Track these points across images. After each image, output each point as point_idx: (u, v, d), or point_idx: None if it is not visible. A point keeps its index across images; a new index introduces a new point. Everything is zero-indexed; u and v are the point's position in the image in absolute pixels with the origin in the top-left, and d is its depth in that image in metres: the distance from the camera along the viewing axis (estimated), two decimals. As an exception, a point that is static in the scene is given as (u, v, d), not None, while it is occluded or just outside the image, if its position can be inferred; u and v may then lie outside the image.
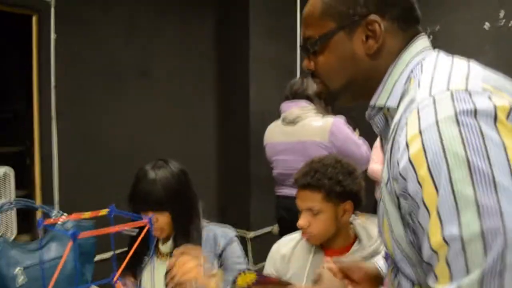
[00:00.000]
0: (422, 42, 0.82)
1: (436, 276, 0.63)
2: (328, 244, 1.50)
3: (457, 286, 0.59)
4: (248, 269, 1.02)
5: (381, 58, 0.81)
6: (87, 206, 1.31)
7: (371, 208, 3.06)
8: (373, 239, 1.51)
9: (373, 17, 0.79)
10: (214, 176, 3.47)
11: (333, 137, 2.27)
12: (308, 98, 2.36)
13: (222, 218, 3.50)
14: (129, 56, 2.80)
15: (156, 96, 2.97)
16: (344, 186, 1.43)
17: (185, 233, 1.47)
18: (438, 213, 0.61)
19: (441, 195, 0.61)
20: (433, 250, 0.63)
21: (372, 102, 0.83)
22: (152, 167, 1.49)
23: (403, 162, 0.66)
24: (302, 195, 1.46)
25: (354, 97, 0.88)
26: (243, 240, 3.35)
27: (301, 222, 1.45)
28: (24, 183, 2.82)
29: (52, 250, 1.46)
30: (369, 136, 2.36)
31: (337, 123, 2.29)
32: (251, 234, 3.34)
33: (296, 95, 2.39)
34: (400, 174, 0.67)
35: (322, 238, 1.47)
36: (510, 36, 3.14)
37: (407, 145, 0.66)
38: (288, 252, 1.56)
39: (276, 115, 3.40)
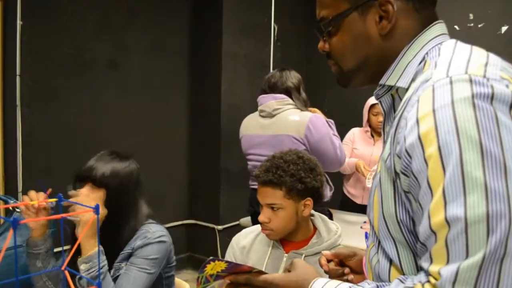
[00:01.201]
0: (439, 27, 0.82)
1: (431, 258, 0.62)
2: (288, 237, 1.51)
3: (456, 268, 0.58)
4: (218, 259, 0.96)
5: (394, 39, 0.80)
6: (51, 196, 1.29)
7: (338, 204, 3.12)
8: (332, 232, 1.54)
9: None
10: (185, 169, 3.46)
11: (309, 133, 2.23)
12: (286, 91, 2.33)
13: (192, 211, 3.50)
14: (98, 46, 2.76)
15: (125, 88, 2.93)
16: (306, 183, 1.44)
17: (115, 225, 1.45)
18: (443, 192, 0.60)
19: (449, 175, 0.60)
20: (432, 230, 0.62)
21: (382, 81, 0.82)
22: (106, 153, 1.49)
23: (411, 138, 0.65)
24: (263, 192, 1.46)
25: (368, 78, 0.87)
26: (212, 232, 3.36)
27: (262, 217, 1.46)
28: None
29: (6, 239, 1.44)
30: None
31: (315, 119, 2.26)
32: (220, 227, 3.35)
33: (274, 88, 2.35)
34: (406, 151, 0.66)
35: (281, 234, 1.48)
36: (479, 37, 3.24)
37: (417, 122, 0.65)
38: (247, 244, 1.57)
39: (247, 110, 3.42)
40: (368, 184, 2.78)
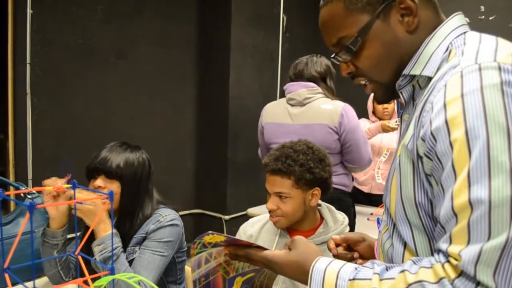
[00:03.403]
0: (459, 18, 0.83)
1: (450, 239, 0.63)
2: (295, 226, 1.52)
3: (479, 249, 0.59)
4: (217, 233, 0.93)
5: (420, 31, 0.81)
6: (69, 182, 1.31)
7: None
8: (339, 222, 1.55)
9: None
10: (192, 160, 3.48)
11: (343, 121, 2.14)
12: (311, 80, 2.24)
13: (199, 201, 3.53)
14: (106, 36, 2.77)
15: (133, 77, 2.94)
16: (314, 174, 1.44)
17: (129, 213, 1.47)
18: (468, 175, 0.61)
19: (475, 158, 0.61)
20: (454, 212, 0.63)
21: (405, 71, 0.81)
22: (117, 145, 1.50)
23: (438, 122, 0.66)
24: (272, 180, 1.47)
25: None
26: (219, 222, 3.39)
27: (269, 205, 1.47)
28: (-2, 160, 2.79)
29: (20, 225, 1.46)
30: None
31: (348, 108, 2.19)
32: (227, 217, 3.37)
33: (299, 76, 2.26)
34: (432, 134, 0.67)
35: (289, 222, 1.49)
36: (490, 30, 3.20)
37: (444, 106, 0.66)
38: (255, 233, 1.59)
39: (255, 101, 3.43)
40: (378, 179, 2.78)
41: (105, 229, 1.34)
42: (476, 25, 3.33)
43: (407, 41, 0.81)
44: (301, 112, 2.23)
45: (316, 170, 1.45)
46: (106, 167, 1.43)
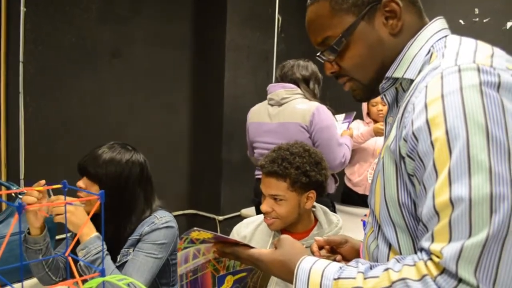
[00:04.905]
0: (441, 22, 0.84)
1: (432, 237, 0.64)
2: (289, 228, 1.52)
3: (460, 246, 0.60)
4: (203, 230, 0.94)
5: (404, 34, 0.83)
6: (53, 184, 1.30)
7: (339, 196, 3.13)
8: (333, 224, 1.54)
9: None
10: (186, 160, 3.46)
11: (313, 119, 2.20)
12: (294, 82, 2.31)
13: (193, 201, 3.52)
14: (101, 35, 2.75)
15: (127, 78, 2.92)
16: (310, 177, 1.44)
17: (115, 219, 1.44)
18: (448, 174, 0.62)
19: (455, 157, 0.62)
20: (436, 210, 0.63)
21: (388, 74, 0.83)
22: (108, 146, 1.48)
23: (419, 122, 0.67)
24: (267, 182, 1.46)
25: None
26: (213, 223, 3.38)
27: (264, 207, 1.47)
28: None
29: (10, 225, 1.44)
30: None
31: (322, 108, 2.23)
32: (221, 217, 3.36)
33: (284, 77, 2.35)
34: (413, 134, 0.68)
35: (283, 224, 1.49)
36: (484, 32, 3.22)
37: (425, 107, 0.67)
38: (248, 234, 1.58)
39: (250, 101, 3.41)
40: (370, 179, 2.79)
41: (87, 233, 1.32)
42: (470, 28, 3.35)
43: (390, 43, 0.83)
44: (278, 111, 2.32)
45: (312, 173, 1.44)
46: (86, 170, 1.42)
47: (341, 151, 2.25)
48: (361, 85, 0.88)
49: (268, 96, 2.38)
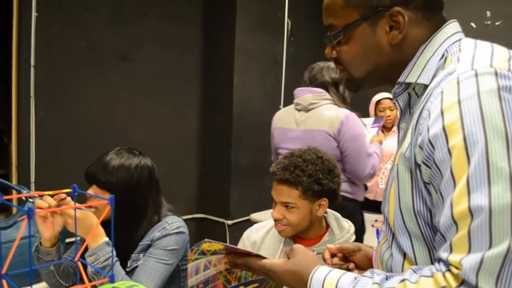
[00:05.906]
0: (454, 25, 0.82)
1: (451, 247, 0.62)
2: (300, 234, 1.49)
3: (480, 257, 0.58)
4: (214, 241, 0.92)
5: (405, 47, 0.81)
6: (63, 187, 1.29)
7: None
8: (345, 230, 1.52)
9: (397, 8, 0.79)
10: (195, 163, 3.46)
11: (342, 128, 2.08)
12: (323, 85, 2.19)
13: (202, 205, 3.51)
14: (111, 39, 2.76)
15: (137, 81, 2.93)
16: (323, 185, 1.41)
17: (125, 225, 1.42)
18: (467, 182, 0.60)
19: (473, 164, 0.60)
20: (454, 220, 0.62)
21: (401, 79, 0.82)
22: (114, 152, 1.47)
23: (435, 129, 0.65)
24: (279, 189, 1.43)
25: (377, 83, 0.88)
26: (222, 227, 3.36)
27: (275, 214, 1.44)
28: (1, 163, 2.79)
29: (20, 229, 1.44)
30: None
31: (352, 115, 2.12)
32: (230, 222, 3.35)
33: (313, 80, 2.22)
34: (429, 141, 0.66)
35: (294, 231, 1.46)
36: (496, 35, 3.18)
37: (441, 113, 0.65)
38: (258, 239, 1.57)
39: (259, 105, 3.41)
40: (381, 185, 2.75)
41: (95, 240, 1.30)
42: (482, 31, 3.31)
43: (389, 52, 0.82)
44: (305, 117, 2.21)
45: (324, 181, 1.41)
46: (96, 178, 1.40)
47: (369, 162, 2.14)
48: (351, 77, 0.88)
49: (295, 101, 2.26)
